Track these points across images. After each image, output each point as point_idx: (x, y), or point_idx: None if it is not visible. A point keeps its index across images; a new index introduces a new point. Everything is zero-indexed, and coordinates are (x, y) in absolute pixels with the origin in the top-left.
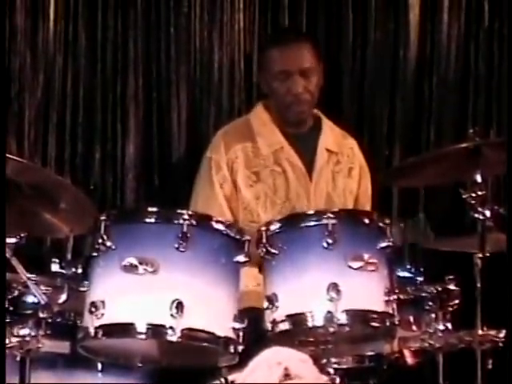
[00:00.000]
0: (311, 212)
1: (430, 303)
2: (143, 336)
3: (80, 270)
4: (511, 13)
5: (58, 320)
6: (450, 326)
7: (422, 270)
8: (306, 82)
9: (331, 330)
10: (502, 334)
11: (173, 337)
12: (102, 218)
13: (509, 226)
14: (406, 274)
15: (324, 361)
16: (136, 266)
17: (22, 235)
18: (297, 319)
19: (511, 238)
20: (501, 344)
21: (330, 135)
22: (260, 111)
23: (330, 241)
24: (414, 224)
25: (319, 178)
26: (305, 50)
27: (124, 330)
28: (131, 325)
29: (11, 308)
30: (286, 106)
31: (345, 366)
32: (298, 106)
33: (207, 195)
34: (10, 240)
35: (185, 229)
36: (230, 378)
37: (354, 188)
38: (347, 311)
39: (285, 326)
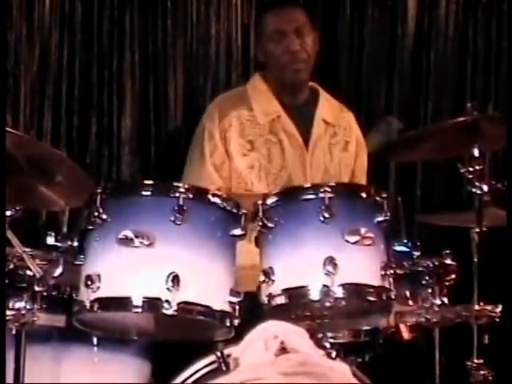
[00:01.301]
0: (308, 185)
1: (427, 278)
2: (139, 309)
3: (76, 244)
4: None
5: (54, 293)
6: (446, 300)
7: (418, 244)
8: (301, 41)
9: (327, 304)
10: (499, 309)
11: (169, 310)
12: (98, 191)
13: (509, 203)
14: (403, 249)
15: (320, 335)
16: (132, 239)
17: (18, 208)
18: (293, 293)
19: (511, 213)
20: (497, 319)
21: (328, 107)
22: (257, 81)
23: (326, 215)
24: (387, 125)
25: (316, 149)
26: (298, 11)
27: (120, 303)
28: (127, 298)
29: (7, 281)
30: (283, 66)
31: (341, 341)
32: (294, 64)
33: (197, 163)
34: (6, 213)
35: (181, 202)
36: (226, 351)
37: (351, 162)
38: (343, 285)
39: (281, 300)
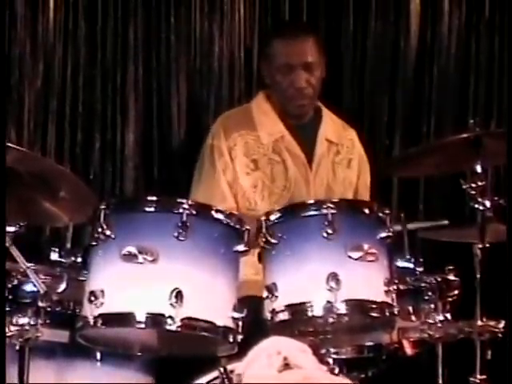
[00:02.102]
0: (311, 202)
1: (430, 293)
2: (142, 325)
3: (79, 259)
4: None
5: (57, 309)
6: (449, 316)
7: (421, 260)
8: (308, 76)
9: (330, 319)
10: (501, 325)
11: (172, 326)
12: (102, 206)
13: (509, 218)
14: (406, 265)
15: (323, 351)
16: (135, 255)
17: (22, 224)
18: (296, 309)
19: (511, 229)
20: (500, 335)
21: (331, 126)
22: (261, 100)
23: (329, 231)
24: None
25: (319, 168)
26: (308, 44)
27: (123, 319)
28: (130, 314)
29: (10, 297)
30: (288, 99)
31: (344, 356)
32: (299, 100)
33: (210, 181)
34: (10, 229)
35: (184, 218)
36: (230, 367)
37: (354, 179)
38: (347, 301)
39: (284, 316)
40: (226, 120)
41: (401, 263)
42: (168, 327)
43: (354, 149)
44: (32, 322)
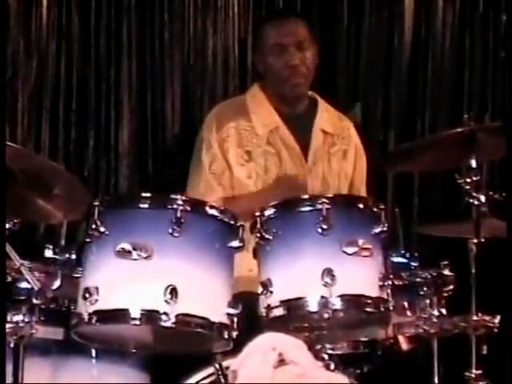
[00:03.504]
0: (306, 197)
1: (425, 289)
2: (137, 322)
3: (74, 256)
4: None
5: (52, 306)
6: (444, 311)
7: (416, 255)
8: (301, 55)
9: (326, 315)
10: (497, 320)
11: (167, 322)
12: (96, 203)
13: (509, 214)
14: (401, 260)
15: (318, 346)
16: (130, 252)
17: (16, 221)
18: (291, 305)
19: (511, 225)
20: (495, 330)
21: (326, 116)
22: (256, 91)
23: (324, 226)
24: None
25: (315, 159)
26: (299, 24)
27: (118, 315)
28: (125, 311)
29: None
30: (283, 80)
31: (339, 352)
32: (294, 79)
33: (197, 173)
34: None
35: (179, 214)
36: (225, 363)
37: (350, 171)
38: (342, 296)
39: (279, 312)
40: (220, 111)
41: (396, 258)
42: (163, 324)
43: (350, 139)
44: (26, 320)
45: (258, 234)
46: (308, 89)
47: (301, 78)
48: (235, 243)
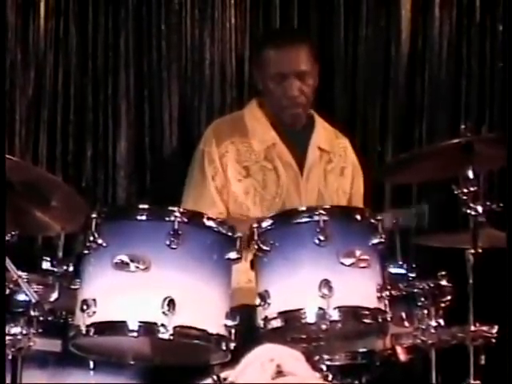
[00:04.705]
0: (303, 208)
1: (423, 299)
2: (135, 334)
3: (71, 268)
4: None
5: (50, 318)
6: (442, 322)
7: (414, 266)
8: (301, 85)
9: (323, 326)
10: (495, 330)
11: (165, 334)
12: (93, 215)
13: (509, 224)
14: (398, 270)
15: (316, 358)
16: (127, 264)
17: (14, 233)
18: (289, 316)
19: (511, 235)
20: (493, 340)
21: (323, 134)
22: (254, 107)
23: (321, 237)
24: (417, 211)
25: (310, 175)
26: (301, 52)
27: (116, 327)
28: (123, 322)
29: None
30: (281, 108)
31: (337, 363)
32: (293, 109)
33: (199, 187)
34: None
35: (176, 226)
36: (223, 375)
37: (347, 188)
38: (339, 308)
39: (277, 323)
40: (219, 127)
41: (393, 269)
42: (160, 335)
43: (346, 157)
44: (24, 332)
45: (256, 246)
46: (306, 114)
47: (299, 108)
48: (233, 255)
